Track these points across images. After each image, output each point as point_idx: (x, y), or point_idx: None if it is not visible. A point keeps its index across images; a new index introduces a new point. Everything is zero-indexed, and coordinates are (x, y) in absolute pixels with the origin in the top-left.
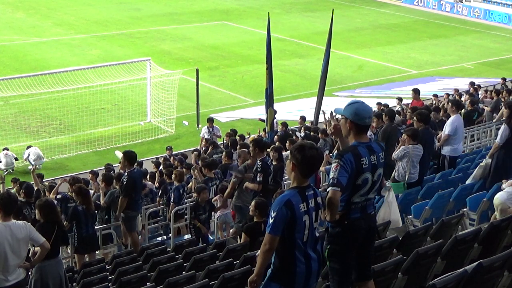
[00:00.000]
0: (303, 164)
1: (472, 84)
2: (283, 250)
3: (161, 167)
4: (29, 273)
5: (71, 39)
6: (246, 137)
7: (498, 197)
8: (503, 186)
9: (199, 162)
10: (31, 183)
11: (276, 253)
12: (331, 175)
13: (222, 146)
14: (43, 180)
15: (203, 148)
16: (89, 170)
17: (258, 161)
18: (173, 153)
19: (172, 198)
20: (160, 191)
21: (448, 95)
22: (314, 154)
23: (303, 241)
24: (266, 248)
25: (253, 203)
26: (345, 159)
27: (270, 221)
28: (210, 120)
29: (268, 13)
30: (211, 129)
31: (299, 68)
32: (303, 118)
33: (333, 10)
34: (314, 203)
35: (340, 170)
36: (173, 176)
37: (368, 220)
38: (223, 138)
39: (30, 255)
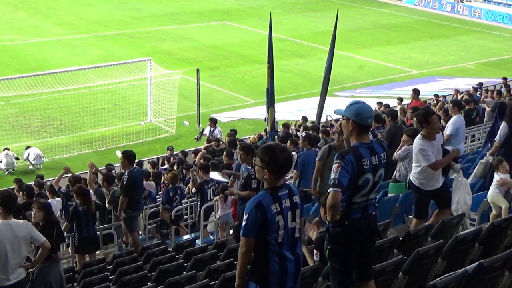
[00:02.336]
0: (277, 169)
1: (480, 84)
2: (256, 250)
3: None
4: (29, 273)
5: (71, 39)
6: (248, 137)
7: (488, 195)
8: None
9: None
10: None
11: (253, 253)
12: (332, 176)
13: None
14: (44, 180)
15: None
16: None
17: (250, 167)
18: (174, 153)
19: (162, 200)
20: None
21: (444, 96)
22: (287, 156)
23: (278, 242)
24: (242, 250)
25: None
26: (346, 160)
27: (243, 223)
28: (212, 120)
29: (270, 13)
30: (212, 130)
31: (299, 68)
32: (304, 119)
33: (338, 10)
34: (290, 202)
35: (341, 171)
36: (166, 177)
37: (368, 220)
38: (224, 139)
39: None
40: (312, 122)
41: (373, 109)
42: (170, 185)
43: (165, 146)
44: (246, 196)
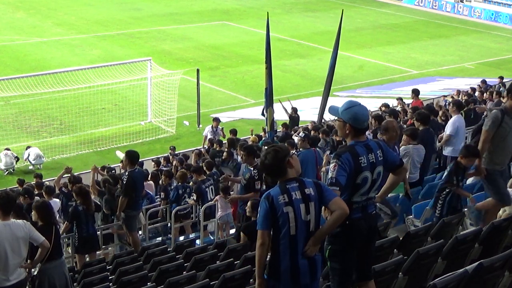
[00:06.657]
0: (269, 172)
1: (484, 82)
2: (272, 243)
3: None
4: (30, 273)
5: (71, 39)
6: (248, 137)
7: None
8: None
9: (199, 162)
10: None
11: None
12: (329, 175)
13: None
14: (42, 180)
15: (205, 147)
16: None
17: (252, 168)
18: (175, 153)
19: (170, 197)
20: (163, 193)
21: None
22: (271, 158)
23: (291, 235)
24: (258, 243)
25: (249, 203)
26: (343, 158)
27: (258, 217)
28: (216, 120)
29: (268, 12)
30: (215, 129)
31: (299, 68)
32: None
33: (342, 10)
34: (301, 195)
35: (339, 169)
36: (176, 176)
37: (368, 220)
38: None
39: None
40: (312, 122)
41: (375, 111)
42: (179, 183)
43: (165, 146)
44: (249, 198)
